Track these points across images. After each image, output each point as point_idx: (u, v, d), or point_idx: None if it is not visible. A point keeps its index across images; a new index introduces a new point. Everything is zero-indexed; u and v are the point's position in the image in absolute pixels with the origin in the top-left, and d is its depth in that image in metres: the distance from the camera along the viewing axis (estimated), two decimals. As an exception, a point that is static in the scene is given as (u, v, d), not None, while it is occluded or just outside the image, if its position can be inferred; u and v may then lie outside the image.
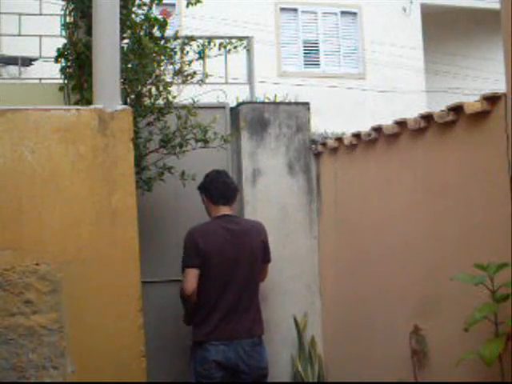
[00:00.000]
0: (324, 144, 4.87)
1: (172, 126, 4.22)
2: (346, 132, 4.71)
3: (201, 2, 4.34)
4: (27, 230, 3.02)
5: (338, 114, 10.84)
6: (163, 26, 4.16)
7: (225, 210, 4.09)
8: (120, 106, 3.20)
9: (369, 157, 4.29)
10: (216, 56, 4.53)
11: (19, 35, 5.14)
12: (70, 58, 3.95)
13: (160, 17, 4.18)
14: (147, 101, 4.15)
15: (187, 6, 4.32)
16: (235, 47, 4.64)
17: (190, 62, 4.34)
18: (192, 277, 3.89)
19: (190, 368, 4.00)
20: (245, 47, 5.04)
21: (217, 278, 3.92)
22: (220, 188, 4.10)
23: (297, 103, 5.18)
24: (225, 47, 4.57)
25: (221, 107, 4.86)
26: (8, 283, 2.97)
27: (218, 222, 4.05)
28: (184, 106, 4.24)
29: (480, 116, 3.15)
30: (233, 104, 5.04)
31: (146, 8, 4.15)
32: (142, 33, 4.06)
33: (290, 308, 4.84)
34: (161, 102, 4.18)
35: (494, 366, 2.76)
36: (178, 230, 4.43)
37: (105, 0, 3.27)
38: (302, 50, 12.52)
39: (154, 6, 4.18)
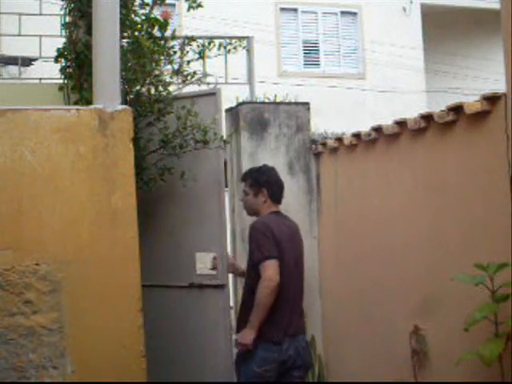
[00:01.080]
0: (324, 144, 4.88)
1: (172, 127, 4.21)
2: (346, 132, 4.71)
3: (202, 6, 4.33)
4: (27, 229, 3.01)
5: (338, 114, 10.83)
6: (164, 26, 4.16)
7: (277, 208, 4.00)
8: (120, 106, 3.19)
9: (369, 157, 4.29)
10: (216, 56, 4.53)
11: (19, 35, 5.16)
12: (70, 57, 3.95)
13: (160, 17, 4.18)
14: (147, 101, 4.14)
15: (188, 10, 4.32)
16: (235, 47, 4.64)
17: (189, 61, 4.34)
18: (276, 267, 3.64)
19: (244, 368, 3.77)
20: (244, 47, 5.04)
21: (284, 272, 3.71)
22: (281, 186, 4.05)
23: (297, 103, 5.18)
24: (225, 47, 4.57)
25: (211, 94, 4.45)
26: (8, 283, 2.97)
27: (276, 217, 3.93)
28: (176, 97, 4.18)
29: (480, 116, 3.15)
30: (233, 104, 5.03)
31: (147, 8, 4.15)
32: (142, 32, 4.06)
33: (289, 308, 4.83)
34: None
35: (493, 365, 2.76)
36: (177, 230, 4.42)
37: (105, 0, 3.27)
38: (302, 50, 12.52)
39: (155, 6, 4.18)
